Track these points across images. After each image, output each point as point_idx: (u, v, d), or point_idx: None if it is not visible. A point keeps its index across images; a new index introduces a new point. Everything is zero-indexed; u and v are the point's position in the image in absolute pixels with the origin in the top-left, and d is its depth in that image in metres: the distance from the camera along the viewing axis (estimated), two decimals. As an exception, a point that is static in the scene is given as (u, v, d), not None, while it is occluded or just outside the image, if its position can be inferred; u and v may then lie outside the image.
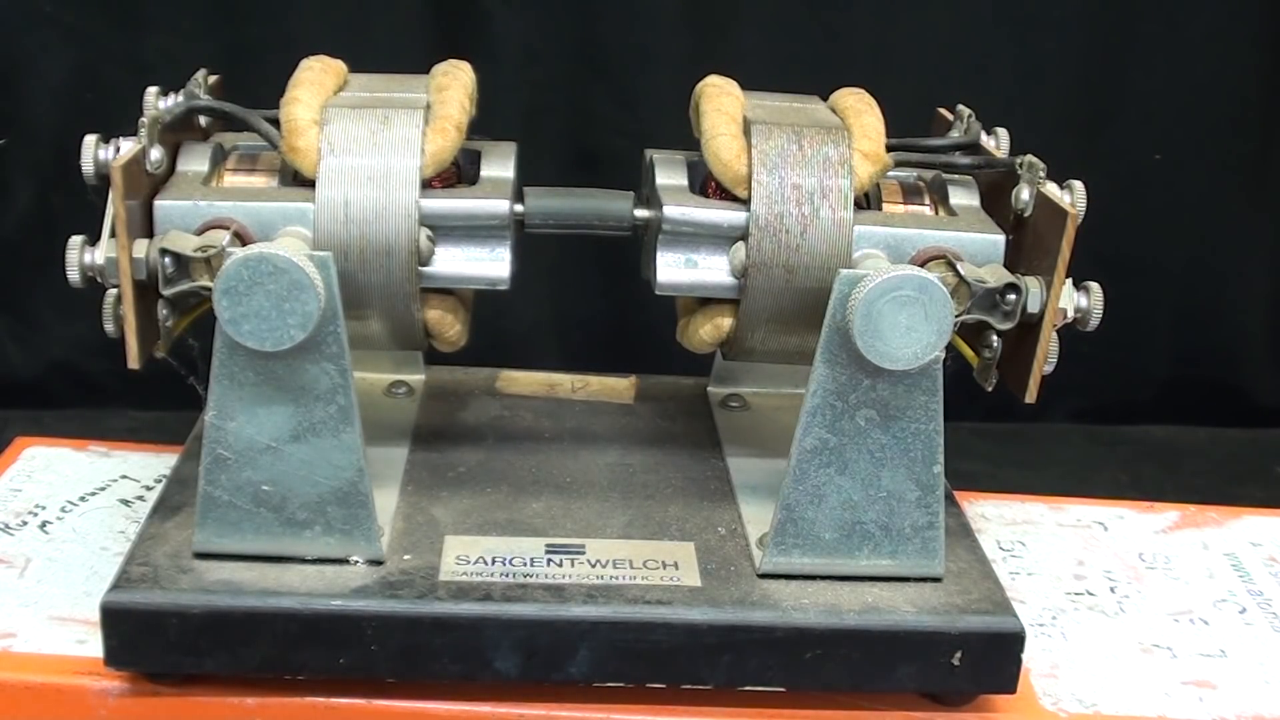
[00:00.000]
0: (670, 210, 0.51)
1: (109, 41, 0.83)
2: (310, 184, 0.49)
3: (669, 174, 0.53)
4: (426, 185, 0.50)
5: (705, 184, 0.53)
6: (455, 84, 0.52)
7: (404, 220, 0.49)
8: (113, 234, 0.47)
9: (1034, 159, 0.51)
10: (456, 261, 0.51)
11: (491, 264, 0.51)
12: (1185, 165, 0.90)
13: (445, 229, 0.50)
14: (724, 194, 0.51)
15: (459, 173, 0.53)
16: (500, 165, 0.52)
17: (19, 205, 0.86)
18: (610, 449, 0.58)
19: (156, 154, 0.49)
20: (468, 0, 0.84)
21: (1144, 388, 0.96)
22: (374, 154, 0.49)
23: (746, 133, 0.51)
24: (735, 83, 0.54)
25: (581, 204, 0.53)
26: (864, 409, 0.48)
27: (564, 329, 0.92)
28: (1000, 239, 0.52)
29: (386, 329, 0.52)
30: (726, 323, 0.52)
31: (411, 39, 0.84)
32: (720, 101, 0.52)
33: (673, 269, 0.51)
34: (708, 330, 0.53)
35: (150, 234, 0.49)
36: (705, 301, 0.53)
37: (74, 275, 0.48)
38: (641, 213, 0.52)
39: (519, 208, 0.51)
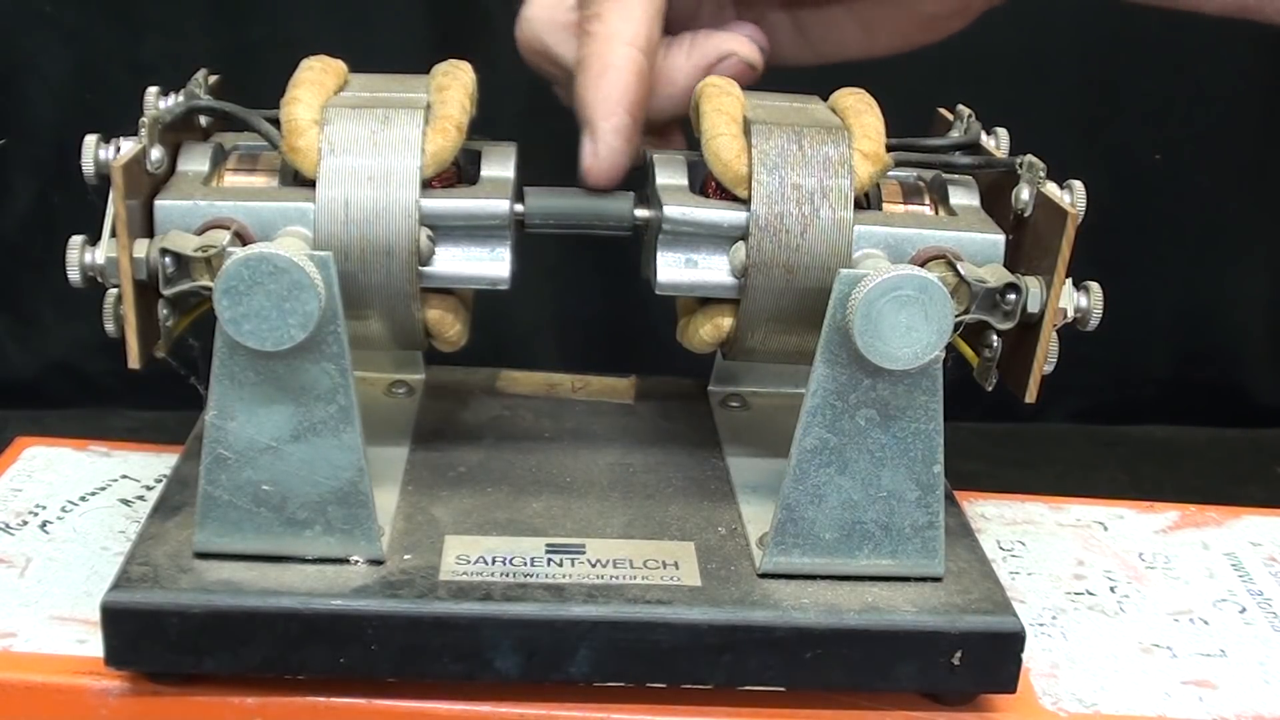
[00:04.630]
0: (670, 210, 0.51)
1: (109, 41, 0.83)
2: (311, 184, 0.49)
3: (669, 174, 0.53)
4: (427, 185, 0.50)
5: (705, 184, 0.53)
6: (455, 84, 0.52)
7: (404, 220, 0.49)
8: (113, 234, 0.47)
9: (1034, 159, 0.51)
10: (456, 261, 0.51)
11: (492, 264, 0.51)
12: (1185, 165, 0.90)
13: (445, 229, 0.50)
14: (724, 194, 0.51)
15: (459, 173, 0.53)
16: (500, 165, 0.52)
17: (19, 205, 0.86)
18: (610, 449, 0.58)
19: (157, 154, 0.49)
20: (468, 0, 0.84)
21: (1144, 388, 0.96)
22: (374, 154, 0.49)
23: (746, 133, 0.51)
24: (735, 83, 0.54)
25: (581, 204, 0.53)
26: (864, 409, 0.48)
27: (564, 329, 0.92)
28: (1000, 239, 0.52)
29: (387, 329, 0.52)
30: (726, 322, 0.52)
31: (411, 39, 0.84)
32: (720, 101, 0.52)
33: (673, 269, 0.51)
34: (708, 330, 0.53)
35: (151, 234, 0.49)
36: (705, 301, 0.53)
37: (74, 275, 0.48)
38: (641, 213, 0.52)
39: (519, 208, 0.51)
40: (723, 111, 0.52)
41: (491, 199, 0.51)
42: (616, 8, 0.52)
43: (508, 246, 0.51)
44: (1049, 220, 0.50)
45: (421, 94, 0.52)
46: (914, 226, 0.51)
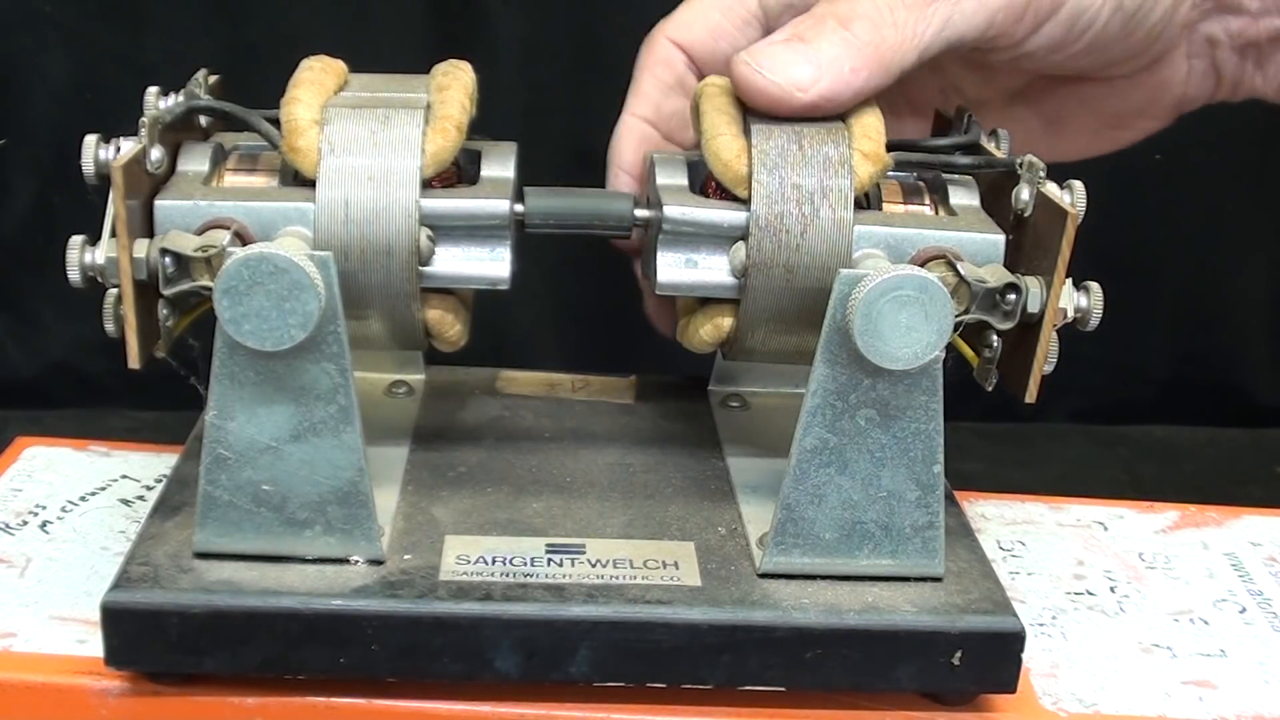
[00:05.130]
0: (670, 210, 0.51)
1: (109, 41, 0.83)
2: (311, 184, 0.49)
3: (669, 174, 0.53)
4: (427, 185, 0.50)
5: (705, 184, 0.53)
6: (456, 84, 0.52)
7: (404, 220, 0.49)
8: (113, 234, 0.47)
9: (1034, 159, 0.51)
10: (456, 261, 0.51)
11: (492, 264, 0.51)
12: (1185, 165, 0.90)
13: (445, 229, 0.50)
14: (724, 194, 0.51)
15: (459, 173, 0.53)
16: (500, 165, 0.52)
17: (19, 205, 0.86)
18: (610, 449, 0.58)
19: (157, 154, 0.49)
20: (468, 0, 0.84)
21: (1144, 388, 0.96)
22: (374, 154, 0.49)
23: (746, 133, 0.51)
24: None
25: (581, 204, 0.53)
26: (864, 409, 0.48)
27: (564, 329, 0.92)
28: (1000, 239, 0.52)
29: (387, 329, 0.52)
30: (726, 323, 0.52)
31: (411, 39, 0.85)
32: (720, 101, 0.52)
33: (673, 269, 0.51)
34: (708, 330, 0.53)
35: (151, 234, 0.49)
36: (705, 301, 0.53)
37: (74, 275, 0.48)
38: (641, 213, 0.52)
39: (519, 208, 0.51)
40: (723, 111, 0.52)
41: (491, 199, 0.51)
42: (632, 85, 0.59)
43: (508, 246, 0.51)
44: (1049, 220, 0.49)
45: (421, 94, 0.52)
46: (914, 226, 0.51)
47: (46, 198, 0.86)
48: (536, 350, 0.91)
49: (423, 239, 0.49)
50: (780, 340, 0.52)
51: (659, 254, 0.51)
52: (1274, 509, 0.65)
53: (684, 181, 0.53)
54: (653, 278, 0.52)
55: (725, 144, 0.51)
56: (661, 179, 0.53)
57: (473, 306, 0.55)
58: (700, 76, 0.58)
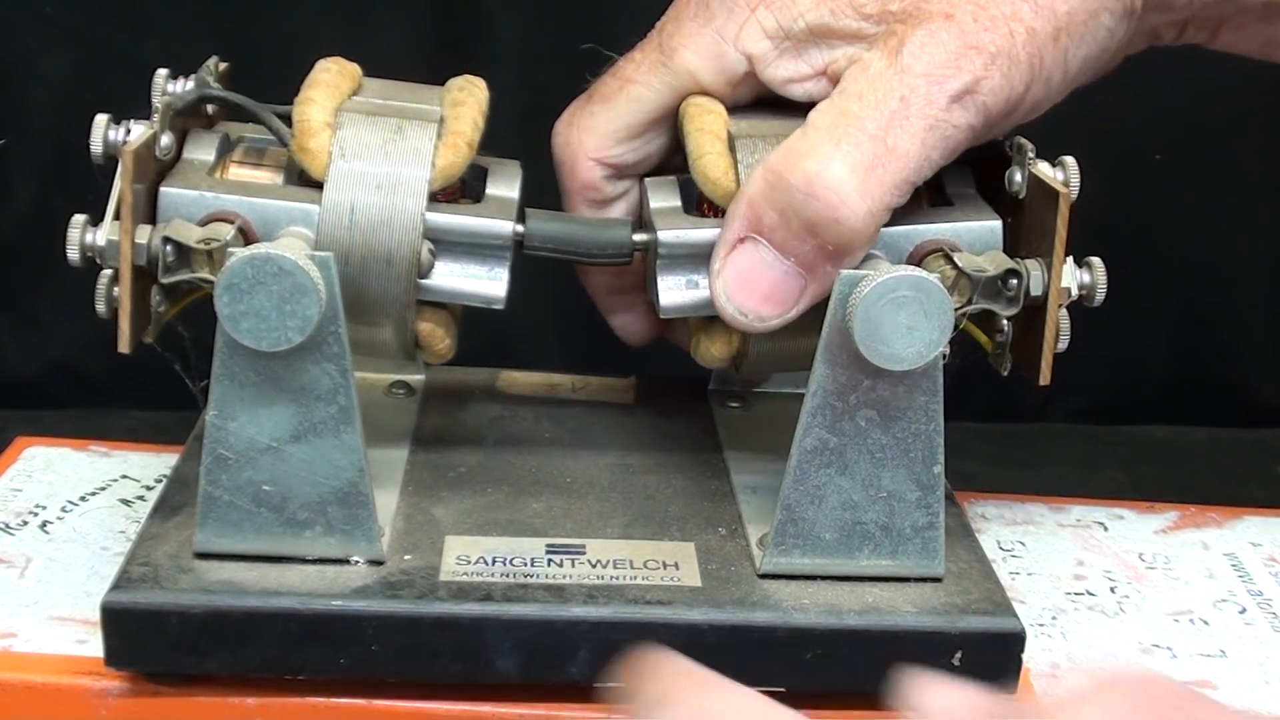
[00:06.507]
0: (664, 234, 0.51)
1: (109, 41, 0.83)
2: (317, 185, 0.49)
3: (661, 196, 0.53)
4: (432, 198, 0.50)
5: (699, 202, 0.53)
6: (471, 100, 0.52)
7: (408, 231, 0.49)
8: (116, 216, 0.47)
9: (1022, 140, 0.51)
10: (455, 277, 0.51)
11: (489, 282, 0.51)
12: (1185, 164, 0.90)
13: (447, 243, 0.50)
14: (718, 211, 0.51)
15: (463, 186, 0.53)
16: (506, 185, 0.53)
17: (19, 205, 0.86)
18: (610, 449, 0.58)
19: (167, 140, 0.49)
20: (468, 0, 0.84)
21: (1144, 387, 0.96)
22: (385, 162, 0.49)
23: (732, 149, 0.51)
24: (717, 100, 0.54)
25: (581, 231, 0.53)
26: (864, 409, 0.48)
27: (564, 329, 0.92)
28: (997, 224, 0.52)
29: (378, 337, 0.52)
30: (736, 338, 0.53)
31: (411, 39, 0.84)
32: (704, 120, 0.52)
33: (674, 291, 0.52)
34: (718, 348, 0.53)
35: (153, 220, 0.49)
36: (713, 318, 0.53)
37: (74, 254, 0.48)
38: (639, 237, 0.52)
39: (519, 228, 0.51)
40: (706, 130, 0.52)
41: (496, 219, 0.51)
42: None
43: (506, 267, 0.51)
44: (1043, 201, 0.50)
45: (435, 106, 0.52)
46: (909, 221, 0.51)
47: (46, 198, 0.86)
48: (536, 350, 0.91)
49: (424, 251, 0.49)
50: (791, 346, 0.52)
51: (659, 278, 0.52)
52: (1274, 509, 0.65)
53: (676, 203, 0.53)
54: (655, 302, 0.52)
55: (711, 162, 0.51)
56: (654, 202, 0.53)
57: (461, 321, 0.55)
58: (623, 176, 0.56)
